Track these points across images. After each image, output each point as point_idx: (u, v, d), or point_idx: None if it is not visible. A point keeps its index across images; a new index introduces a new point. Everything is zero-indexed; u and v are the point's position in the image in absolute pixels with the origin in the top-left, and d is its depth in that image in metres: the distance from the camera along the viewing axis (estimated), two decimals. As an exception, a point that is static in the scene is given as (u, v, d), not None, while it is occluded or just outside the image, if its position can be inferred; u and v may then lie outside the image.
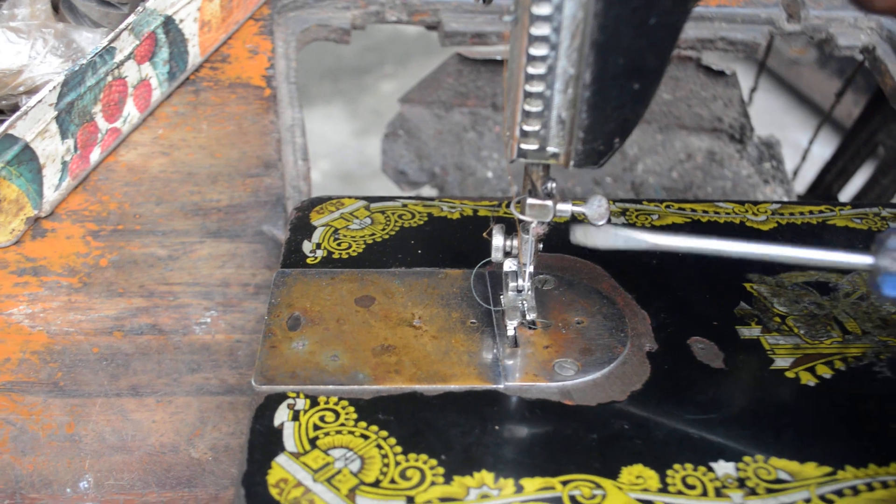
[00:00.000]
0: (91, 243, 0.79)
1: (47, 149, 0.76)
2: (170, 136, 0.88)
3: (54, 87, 0.74)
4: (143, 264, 0.78)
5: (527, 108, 0.52)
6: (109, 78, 0.80)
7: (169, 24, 0.86)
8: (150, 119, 0.89)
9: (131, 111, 0.86)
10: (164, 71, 0.88)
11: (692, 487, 0.53)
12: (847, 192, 1.45)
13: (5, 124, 0.71)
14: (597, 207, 0.57)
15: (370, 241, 0.71)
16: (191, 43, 0.90)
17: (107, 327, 0.74)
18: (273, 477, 0.52)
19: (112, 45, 0.78)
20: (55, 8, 0.84)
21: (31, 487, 0.64)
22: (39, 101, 0.73)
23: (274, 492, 0.51)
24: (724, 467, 0.54)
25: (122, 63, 0.81)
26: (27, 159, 0.75)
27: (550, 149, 0.54)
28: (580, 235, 0.56)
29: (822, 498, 0.53)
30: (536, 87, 0.51)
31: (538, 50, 0.49)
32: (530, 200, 0.57)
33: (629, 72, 0.49)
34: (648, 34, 0.48)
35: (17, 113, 0.72)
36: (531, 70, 0.50)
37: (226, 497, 0.64)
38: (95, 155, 0.83)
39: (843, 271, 0.70)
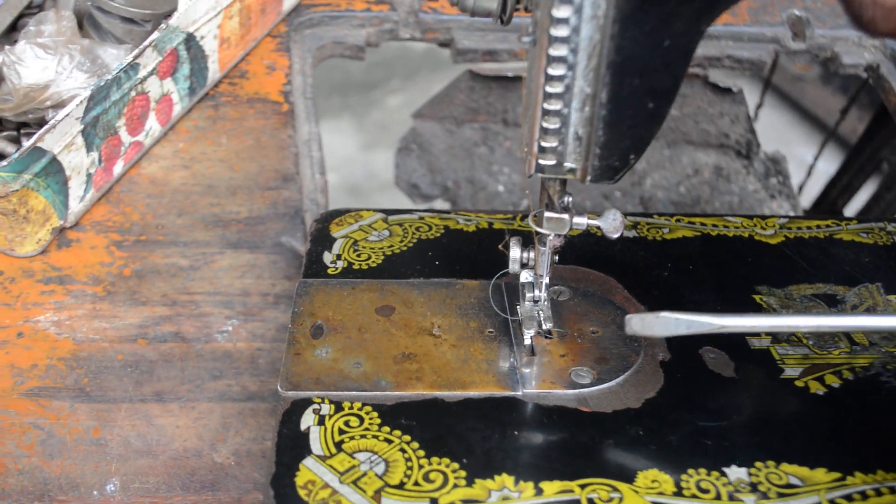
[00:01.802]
0: (115, 253, 0.81)
1: (73, 161, 0.79)
2: (190, 150, 0.90)
3: (81, 102, 0.76)
4: (165, 274, 0.80)
5: (545, 125, 0.54)
6: (133, 93, 0.83)
7: (190, 41, 0.88)
8: (171, 133, 0.91)
9: (153, 125, 0.88)
10: (185, 86, 0.90)
11: (706, 491, 0.55)
12: (852, 207, 1.47)
13: (34, 137, 0.73)
14: (612, 221, 0.60)
15: (389, 253, 0.73)
16: (211, 59, 0.93)
17: (131, 335, 0.76)
18: (301, 479, 0.54)
19: (136, 61, 0.81)
20: (80, 25, 0.86)
21: (59, 490, 0.66)
22: (67, 115, 0.75)
23: (302, 493, 0.53)
24: (736, 472, 0.56)
25: (145, 78, 0.83)
26: (54, 171, 0.77)
27: (568, 164, 0.55)
28: (637, 326, 0.56)
29: (831, 502, 0.55)
30: (554, 106, 0.52)
31: (556, 70, 0.51)
32: (548, 214, 0.59)
33: (644, 91, 0.51)
34: (663, 55, 0.50)
35: (46, 126, 0.74)
36: (549, 89, 0.52)
37: (248, 500, 0.66)
38: (118, 167, 0.86)
39: (851, 283, 0.72)
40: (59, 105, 0.80)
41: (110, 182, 0.85)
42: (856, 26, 0.50)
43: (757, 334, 0.67)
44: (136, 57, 0.80)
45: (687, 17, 0.48)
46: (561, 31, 0.49)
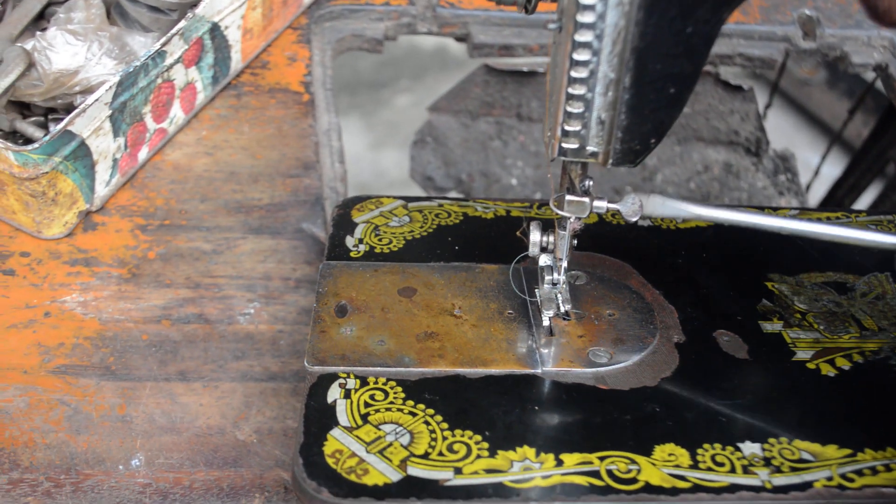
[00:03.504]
0: (139, 237, 0.83)
1: (101, 146, 0.80)
2: (213, 138, 0.92)
3: (110, 87, 0.78)
4: (188, 257, 0.82)
5: (569, 109, 0.55)
6: (159, 80, 0.84)
7: (215, 30, 0.90)
8: (195, 121, 0.93)
9: (177, 112, 0.90)
10: (209, 75, 0.92)
11: (721, 465, 0.56)
12: (858, 207, 1.48)
13: (65, 120, 0.75)
14: (631, 205, 0.61)
15: (409, 238, 0.75)
16: (234, 49, 0.94)
17: (155, 316, 0.77)
18: (329, 448, 0.56)
19: (163, 48, 0.82)
20: (107, 13, 0.88)
21: (85, 464, 0.67)
22: (96, 100, 0.77)
23: (330, 461, 0.55)
24: (750, 447, 0.58)
25: (171, 66, 0.85)
26: (82, 155, 0.79)
27: (590, 148, 0.57)
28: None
29: (843, 476, 0.56)
30: (578, 90, 0.54)
31: (581, 55, 0.52)
32: (569, 197, 0.61)
33: (666, 76, 0.53)
34: (685, 41, 0.51)
35: (76, 110, 0.76)
36: (574, 74, 0.53)
37: (270, 476, 0.68)
38: (143, 153, 0.87)
39: (861, 272, 0.74)
40: (87, 91, 0.82)
41: (135, 168, 0.87)
42: (871, 17, 0.51)
43: (769, 318, 0.69)
44: (163, 45, 0.82)
45: (709, 5, 0.50)
46: (587, 18, 0.51)
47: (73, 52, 0.81)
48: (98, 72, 0.82)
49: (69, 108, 0.83)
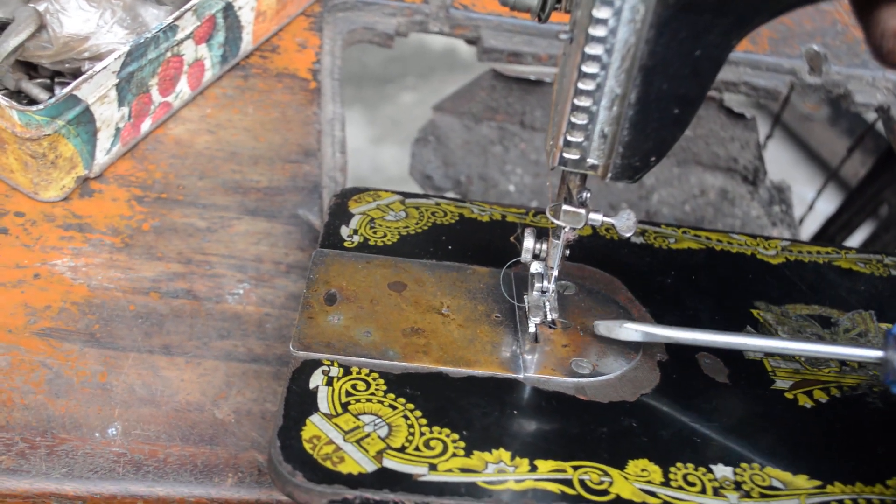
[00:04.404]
0: (135, 207, 0.83)
1: (105, 114, 0.80)
2: (217, 116, 0.92)
3: (119, 56, 0.78)
4: (182, 233, 0.82)
5: (573, 120, 0.56)
6: (168, 54, 0.85)
7: (228, 10, 0.90)
8: (200, 98, 0.93)
9: (184, 88, 0.90)
10: (219, 54, 0.92)
11: (692, 485, 0.57)
12: (849, 245, 1.49)
13: (71, 85, 0.75)
14: (625, 220, 0.62)
15: (404, 233, 0.76)
16: (245, 30, 0.95)
17: (144, 287, 0.77)
18: (307, 433, 0.56)
19: (175, 23, 0.83)
20: (122, -17, 0.88)
21: (61, 428, 0.67)
22: (104, 68, 0.77)
23: (307, 446, 0.55)
24: (722, 470, 0.59)
25: (181, 41, 0.85)
26: (86, 121, 0.79)
27: (590, 160, 0.58)
28: (603, 330, 0.65)
29: None
30: (584, 102, 0.55)
31: (590, 68, 0.53)
32: (565, 207, 0.61)
33: (671, 97, 0.54)
34: (693, 64, 0.52)
35: (83, 76, 0.76)
36: (581, 86, 0.54)
37: (244, 457, 0.68)
38: (146, 125, 0.88)
39: (846, 308, 0.75)
40: (96, 58, 0.82)
41: (137, 139, 0.87)
42: (875, 57, 0.51)
43: (752, 345, 0.69)
44: (175, 19, 0.82)
45: (720, 31, 0.51)
46: (599, 31, 0.51)
47: (85, 17, 0.81)
48: (108, 40, 0.82)
49: (76, 74, 0.83)
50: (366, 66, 2.65)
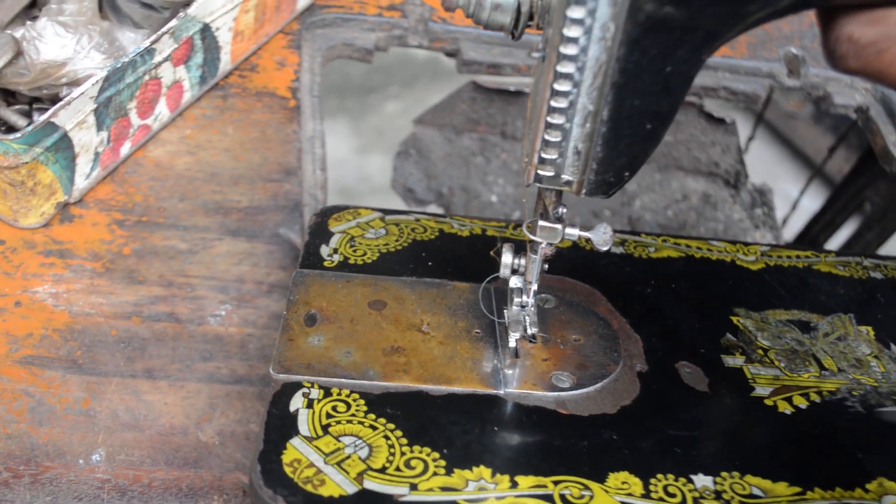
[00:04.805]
0: (116, 231, 0.83)
1: (83, 139, 0.81)
2: (196, 137, 0.93)
3: (97, 81, 0.78)
4: (163, 255, 0.82)
5: (547, 137, 0.56)
6: (146, 77, 0.85)
7: (206, 31, 0.90)
8: (179, 119, 0.94)
9: (163, 110, 0.90)
10: (197, 75, 0.93)
11: (672, 496, 0.57)
12: (833, 244, 1.50)
13: (49, 112, 0.75)
14: (602, 234, 0.62)
15: (384, 251, 0.76)
16: (223, 50, 0.95)
17: (126, 312, 0.77)
18: (287, 457, 0.56)
19: (153, 46, 0.83)
20: (99, 6, 0.89)
21: (45, 456, 0.68)
22: (82, 94, 0.77)
23: (288, 470, 0.55)
24: (702, 480, 0.59)
25: (159, 64, 0.85)
26: (64, 147, 0.79)
27: (565, 176, 0.58)
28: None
29: None
30: (557, 120, 0.55)
31: (562, 86, 0.53)
32: (541, 223, 0.62)
33: (643, 112, 0.54)
34: (664, 80, 0.52)
35: (61, 102, 0.76)
36: (554, 103, 0.54)
37: (229, 479, 0.68)
38: (126, 149, 0.88)
39: (826, 312, 0.75)
40: (74, 83, 0.82)
41: (116, 162, 0.87)
42: (828, 60, 0.52)
43: (732, 353, 0.70)
44: (152, 42, 0.82)
45: (689, 47, 0.51)
46: (570, 50, 0.51)
47: (61, 43, 0.81)
48: (86, 65, 0.82)
49: (55, 99, 0.83)
50: (349, 77, 2.66)
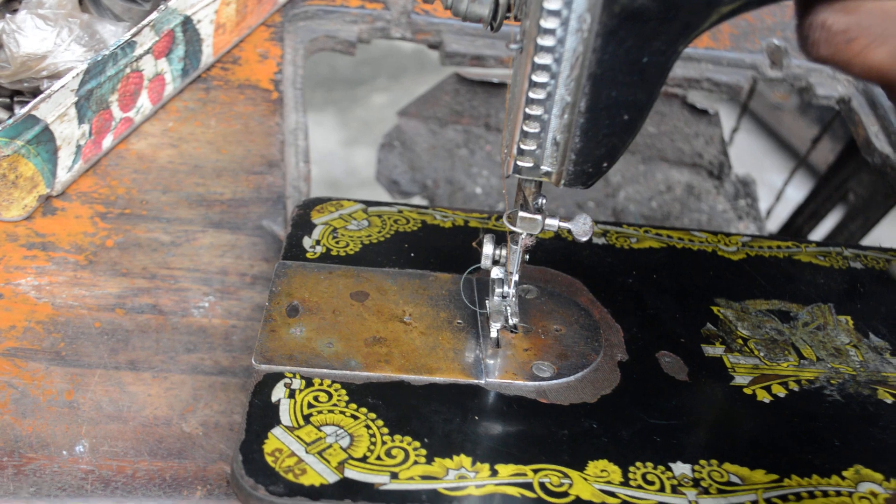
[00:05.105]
0: (98, 224, 0.83)
1: (65, 132, 0.81)
2: (179, 130, 0.93)
3: (77, 74, 0.78)
4: (146, 248, 0.82)
5: (525, 128, 0.56)
6: (128, 70, 0.85)
7: (187, 23, 0.90)
8: (161, 112, 0.94)
9: (145, 103, 0.90)
10: (179, 67, 0.92)
11: (651, 483, 0.58)
12: (817, 235, 1.51)
13: (29, 105, 0.75)
14: (582, 224, 0.63)
15: (366, 242, 0.76)
16: (205, 43, 0.95)
17: (109, 304, 0.77)
18: (269, 446, 0.56)
19: (134, 38, 0.83)
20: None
21: (29, 447, 0.68)
22: (63, 86, 0.77)
23: (269, 459, 0.56)
24: (681, 468, 0.59)
25: (140, 57, 0.85)
26: (45, 140, 0.79)
27: (544, 167, 0.58)
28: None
29: (767, 501, 0.58)
30: (535, 111, 0.55)
31: (540, 77, 0.54)
32: (522, 214, 0.62)
33: (620, 103, 0.54)
34: (640, 71, 0.53)
35: (42, 95, 0.76)
36: (532, 95, 0.55)
37: (213, 470, 0.68)
38: (108, 141, 0.88)
39: (805, 302, 0.76)
40: (54, 76, 0.82)
41: (98, 155, 0.87)
42: (800, 46, 0.52)
43: (712, 342, 0.70)
44: (133, 35, 0.82)
45: (665, 38, 0.52)
46: (547, 41, 0.52)
47: (42, 36, 0.81)
48: (66, 58, 0.82)
49: (36, 92, 0.83)
50: (336, 69, 2.65)
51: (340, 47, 1.07)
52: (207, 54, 0.96)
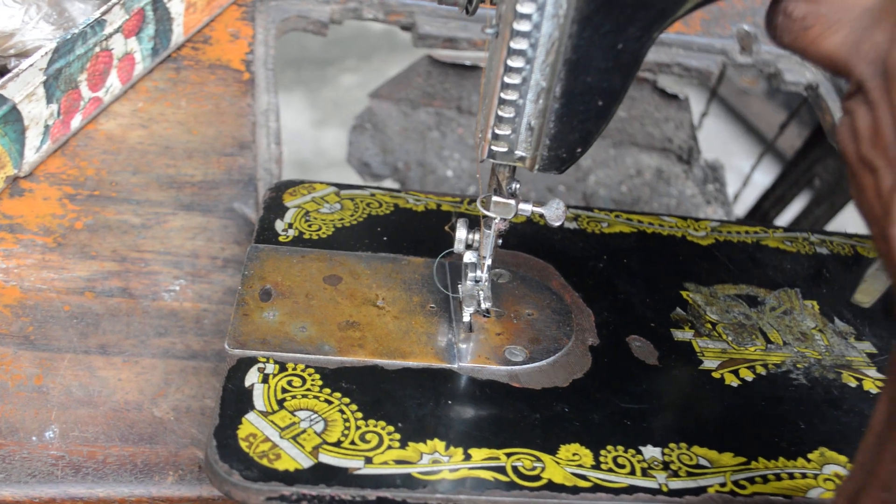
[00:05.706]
0: (67, 206, 0.82)
1: (33, 111, 0.79)
2: (149, 110, 0.91)
3: (46, 53, 0.77)
4: (116, 230, 0.81)
5: (500, 113, 0.57)
6: (97, 49, 0.84)
7: (157, 2, 0.89)
8: (131, 92, 0.92)
9: (114, 82, 0.89)
10: (149, 47, 0.91)
11: (622, 466, 0.59)
12: (783, 219, 1.53)
13: (-4, 84, 0.74)
14: (555, 209, 0.63)
15: (339, 225, 0.76)
16: (176, 22, 0.94)
17: (79, 287, 0.77)
18: (243, 431, 0.56)
19: (103, 17, 0.82)
20: (47, -24, 0.87)
21: (-3, 433, 0.67)
22: (31, 65, 0.76)
23: (243, 444, 0.55)
24: (651, 451, 0.60)
25: (110, 35, 0.84)
26: (13, 120, 0.78)
27: (518, 152, 0.59)
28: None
29: (735, 483, 0.59)
30: (510, 96, 0.56)
31: (515, 62, 0.54)
32: (495, 198, 0.62)
33: (595, 89, 0.55)
34: (615, 57, 0.53)
35: (9, 75, 0.75)
36: (507, 80, 0.55)
37: (185, 455, 0.68)
38: (76, 121, 0.86)
39: (773, 287, 0.77)
40: (22, 55, 0.81)
41: (67, 135, 0.86)
42: (767, 30, 0.53)
43: (681, 327, 0.71)
44: (103, 13, 0.81)
45: (641, 24, 0.52)
46: (523, 26, 0.52)
47: (9, 14, 0.79)
48: (34, 36, 0.81)
49: (3, 71, 0.81)
50: (305, 49, 2.63)
51: (312, 28, 1.06)
52: (178, 34, 0.95)
